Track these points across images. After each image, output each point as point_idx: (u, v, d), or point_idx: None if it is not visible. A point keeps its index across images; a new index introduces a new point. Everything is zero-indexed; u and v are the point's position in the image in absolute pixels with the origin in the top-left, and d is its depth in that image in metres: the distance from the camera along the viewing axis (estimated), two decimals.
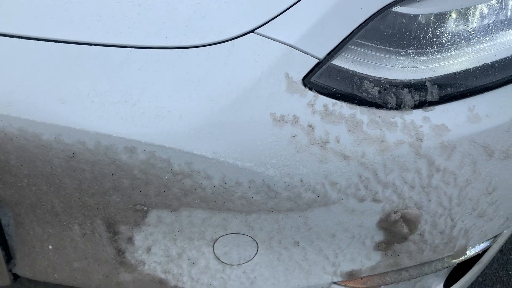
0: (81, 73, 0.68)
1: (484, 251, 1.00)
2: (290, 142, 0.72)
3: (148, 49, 0.70)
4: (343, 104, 0.75)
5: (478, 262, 1.03)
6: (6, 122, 0.66)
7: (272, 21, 0.73)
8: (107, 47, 0.70)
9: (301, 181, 0.73)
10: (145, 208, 0.76)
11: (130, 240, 0.83)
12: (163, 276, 0.86)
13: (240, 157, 0.70)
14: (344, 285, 0.92)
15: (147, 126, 0.67)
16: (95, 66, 0.69)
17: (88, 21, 0.71)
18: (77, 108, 0.66)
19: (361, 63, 0.77)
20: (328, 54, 0.74)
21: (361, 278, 0.93)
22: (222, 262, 0.85)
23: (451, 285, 1.07)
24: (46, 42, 0.69)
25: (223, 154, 0.69)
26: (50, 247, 0.86)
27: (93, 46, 0.70)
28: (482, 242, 0.96)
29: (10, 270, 0.90)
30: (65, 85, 0.67)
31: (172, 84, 0.69)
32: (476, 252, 0.97)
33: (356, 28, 0.75)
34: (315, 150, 0.73)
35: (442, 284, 1.06)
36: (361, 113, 0.75)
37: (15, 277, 0.92)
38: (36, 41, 0.69)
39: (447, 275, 1.04)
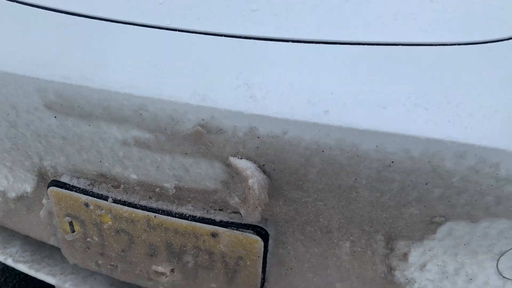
0: (395, 75, 0.64)
1: None
2: None
3: (456, 46, 0.65)
4: None
5: None
6: (323, 133, 0.62)
7: None
8: (413, 46, 0.65)
9: None
10: (444, 220, 0.69)
11: (404, 256, 0.76)
12: None
13: None
14: None
15: (478, 128, 0.61)
16: (409, 66, 0.64)
17: (386, 21, 0.67)
18: (400, 112, 0.61)
19: None
20: None
21: None
22: (504, 277, 0.77)
23: None
24: (354, 46, 0.65)
25: None
26: (311, 267, 0.80)
27: (399, 46, 0.65)
28: None
29: None
30: (383, 89, 0.63)
31: (492, 80, 0.63)
32: None
33: None
34: None
35: None
36: None
37: None
38: (340, 45, 0.65)
39: None
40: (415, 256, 0.76)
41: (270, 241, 0.79)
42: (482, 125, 0.61)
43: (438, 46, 0.65)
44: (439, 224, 0.70)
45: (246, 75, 0.65)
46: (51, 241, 0.96)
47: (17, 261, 1.14)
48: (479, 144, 0.60)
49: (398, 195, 0.67)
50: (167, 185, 0.77)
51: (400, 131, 0.61)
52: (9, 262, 1.14)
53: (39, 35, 0.74)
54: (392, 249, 0.75)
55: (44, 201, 0.90)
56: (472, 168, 0.62)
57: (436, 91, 0.63)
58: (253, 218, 0.70)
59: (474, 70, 0.64)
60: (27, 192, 0.92)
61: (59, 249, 0.98)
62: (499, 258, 0.75)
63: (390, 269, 0.78)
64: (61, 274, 1.12)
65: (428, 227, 0.71)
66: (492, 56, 0.64)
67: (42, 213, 0.91)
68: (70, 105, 0.72)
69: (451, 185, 0.64)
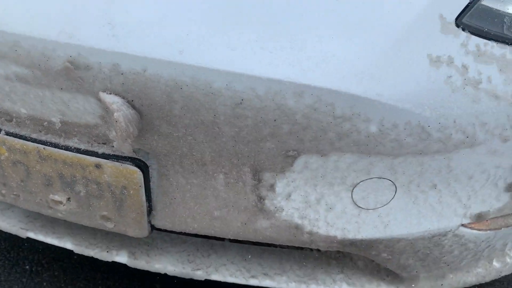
0: (246, 20, 0.70)
1: None
2: (446, 83, 0.73)
3: None
4: (494, 44, 0.75)
5: None
6: (179, 71, 0.68)
7: None
8: None
9: (454, 122, 0.75)
10: (297, 153, 0.78)
11: (272, 187, 0.86)
12: (299, 221, 0.89)
13: (400, 98, 0.71)
14: (471, 227, 0.95)
15: (315, 71, 0.69)
16: (259, 13, 0.70)
17: None
18: (247, 54, 0.68)
19: (509, 3, 0.76)
20: None
21: (487, 220, 0.95)
22: (359, 206, 0.88)
23: None
24: None
25: (385, 96, 0.70)
26: (192, 197, 0.89)
27: None
28: None
29: (149, 222, 0.94)
30: (233, 32, 0.69)
31: (333, 28, 0.70)
32: None
33: None
34: (469, 91, 0.74)
35: None
36: (511, 53, 0.75)
37: (152, 228, 0.97)
38: None
39: None
40: (280, 187, 0.85)
41: (154, 173, 0.87)
42: (319, 68, 0.69)
43: None
44: (294, 157, 0.79)
45: (110, 14, 0.70)
46: None
47: None
48: (314, 84, 0.68)
49: (254, 130, 0.75)
50: (53, 119, 0.82)
51: (246, 71, 0.68)
52: None
53: None
54: (259, 180, 0.85)
55: None
56: (311, 107, 0.70)
57: (282, 37, 0.69)
58: (125, 149, 0.77)
59: (319, 18, 0.70)
60: None
61: None
62: (353, 189, 0.85)
63: (260, 198, 0.87)
64: None
65: (285, 160, 0.80)
66: (337, 5, 0.71)
67: None
68: None
69: (296, 122, 0.73)
